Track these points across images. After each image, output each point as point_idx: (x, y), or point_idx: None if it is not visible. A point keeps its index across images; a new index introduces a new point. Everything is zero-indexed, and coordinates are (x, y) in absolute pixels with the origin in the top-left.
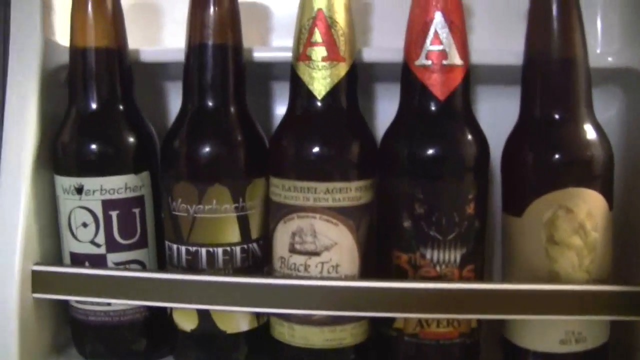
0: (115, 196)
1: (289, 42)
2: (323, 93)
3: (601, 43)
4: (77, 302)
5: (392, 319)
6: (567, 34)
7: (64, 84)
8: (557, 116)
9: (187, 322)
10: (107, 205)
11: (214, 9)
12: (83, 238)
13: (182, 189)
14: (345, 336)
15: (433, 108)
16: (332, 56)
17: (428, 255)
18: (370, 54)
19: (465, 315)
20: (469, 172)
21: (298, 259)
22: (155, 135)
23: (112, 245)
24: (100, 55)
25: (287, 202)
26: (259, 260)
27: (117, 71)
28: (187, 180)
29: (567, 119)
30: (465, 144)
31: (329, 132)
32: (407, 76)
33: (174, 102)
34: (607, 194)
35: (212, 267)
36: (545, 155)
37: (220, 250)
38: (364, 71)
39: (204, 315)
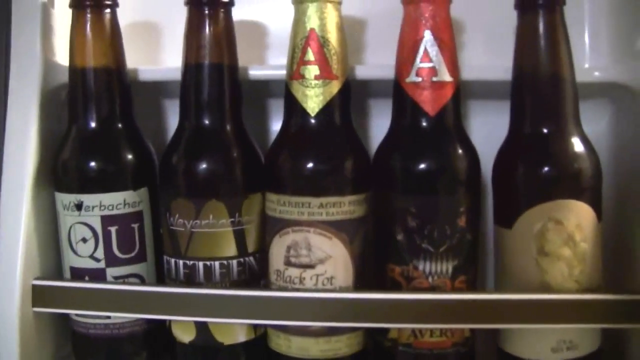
0: (115, 212)
1: (285, 60)
2: (316, 110)
3: (589, 58)
4: (77, 315)
5: (387, 329)
6: (554, 50)
7: (64, 103)
8: (545, 130)
9: (185, 334)
10: (107, 220)
11: (210, 28)
12: (83, 253)
13: (179, 204)
14: (341, 346)
15: (424, 123)
16: (325, 74)
17: (420, 267)
18: (362, 72)
19: (457, 325)
20: (460, 185)
21: (293, 272)
22: (154, 152)
23: (111, 260)
24: (99, 75)
25: (283, 216)
26: (256, 273)
27: (116, 90)
28: (184, 196)
29: (555, 132)
30: (456, 158)
31: (322, 148)
32: (398, 93)
33: (173, 120)
34: (596, 205)
35: (209, 280)
36: (534, 168)
37: (217, 264)
38: (358, 88)
39: (201, 327)
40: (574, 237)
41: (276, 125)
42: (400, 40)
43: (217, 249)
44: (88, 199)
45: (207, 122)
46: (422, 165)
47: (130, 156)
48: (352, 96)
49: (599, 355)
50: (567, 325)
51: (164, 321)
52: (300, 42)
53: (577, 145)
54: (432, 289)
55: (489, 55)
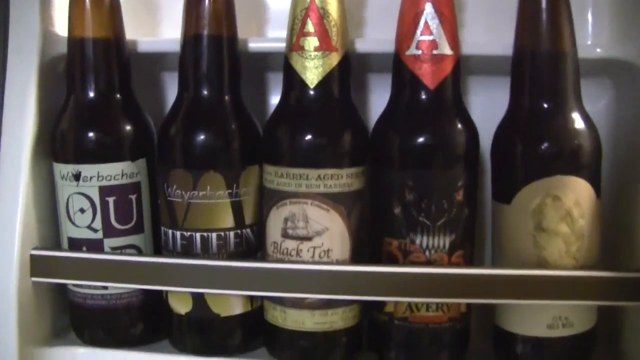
0: (112, 182)
1: (284, 34)
2: (315, 82)
3: (591, 34)
4: (75, 285)
5: (383, 303)
6: (556, 26)
7: (62, 74)
8: (545, 106)
9: (181, 306)
10: (104, 191)
11: (209, 0)
12: (80, 223)
13: (177, 175)
14: (336, 319)
15: (423, 97)
16: (324, 46)
17: (417, 241)
18: (362, 45)
19: (454, 300)
20: (458, 160)
21: (290, 244)
22: (152, 124)
23: (109, 231)
24: (98, 46)
25: (280, 188)
26: (253, 245)
27: (114, 61)
28: (182, 167)
29: (555, 108)
30: (454, 132)
31: (321, 120)
32: (398, 66)
33: (171, 91)
34: (594, 182)
35: (206, 251)
36: (533, 144)
37: (214, 235)
38: (357, 62)
39: (198, 299)
40: (572, 213)
41: (274, 99)
42: (401, 13)
43: (214, 220)
44: (86, 170)
45: (205, 93)
46: (421, 139)
47: (128, 127)
48: (351, 70)
49: (593, 334)
50: (563, 302)
51: (160, 293)
52: (300, 13)
53: (577, 122)
54: (429, 263)
55: (490, 33)
